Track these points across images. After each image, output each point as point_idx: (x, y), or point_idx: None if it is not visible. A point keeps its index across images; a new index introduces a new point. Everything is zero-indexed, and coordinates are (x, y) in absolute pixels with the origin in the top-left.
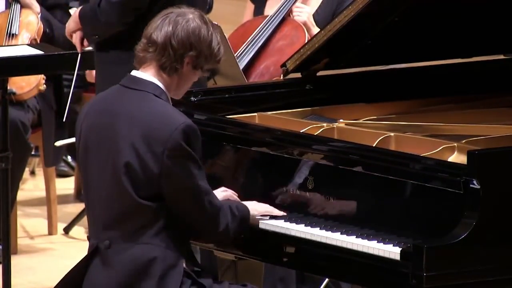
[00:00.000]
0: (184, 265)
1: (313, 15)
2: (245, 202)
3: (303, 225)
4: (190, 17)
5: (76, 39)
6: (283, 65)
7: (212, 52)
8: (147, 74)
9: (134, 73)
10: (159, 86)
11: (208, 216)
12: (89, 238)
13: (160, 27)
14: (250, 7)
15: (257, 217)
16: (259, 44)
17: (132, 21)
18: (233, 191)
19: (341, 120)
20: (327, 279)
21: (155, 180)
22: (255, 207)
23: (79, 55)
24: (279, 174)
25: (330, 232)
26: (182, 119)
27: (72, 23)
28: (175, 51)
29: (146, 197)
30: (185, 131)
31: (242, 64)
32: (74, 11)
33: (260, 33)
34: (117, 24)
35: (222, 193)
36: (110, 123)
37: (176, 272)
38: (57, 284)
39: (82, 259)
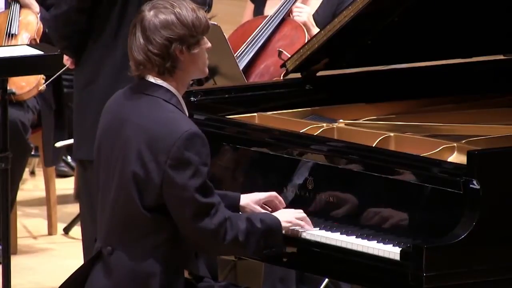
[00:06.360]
0: (186, 274)
1: (313, 15)
2: (278, 212)
3: None
4: (151, 15)
5: None
6: (283, 65)
7: (193, 26)
8: (155, 78)
9: (146, 76)
10: (169, 90)
11: (208, 230)
12: (95, 239)
13: (135, 44)
14: (250, 7)
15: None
16: (259, 44)
17: (72, 37)
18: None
19: (341, 120)
20: (327, 279)
21: (158, 190)
22: (287, 218)
23: None
24: (278, 174)
25: (330, 232)
26: (187, 127)
27: None
28: (160, 55)
29: (150, 208)
30: (188, 139)
31: (242, 64)
32: None
33: (260, 33)
34: (54, 37)
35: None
36: (119, 130)
37: (175, 287)
38: (59, 287)
39: (85, 262)
